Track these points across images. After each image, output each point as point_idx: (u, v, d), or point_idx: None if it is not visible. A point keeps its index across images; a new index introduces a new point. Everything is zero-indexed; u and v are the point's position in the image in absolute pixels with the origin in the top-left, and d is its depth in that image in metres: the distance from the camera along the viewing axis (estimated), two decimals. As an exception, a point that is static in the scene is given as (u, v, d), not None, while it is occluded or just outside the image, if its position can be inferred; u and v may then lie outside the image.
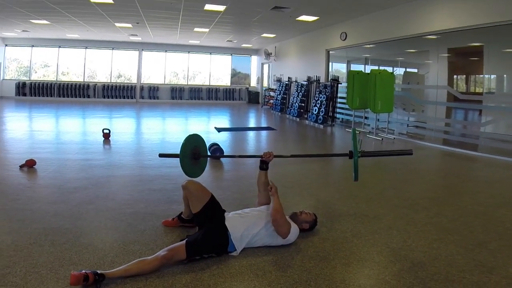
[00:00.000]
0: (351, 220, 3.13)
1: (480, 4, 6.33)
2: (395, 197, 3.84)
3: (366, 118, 9.13)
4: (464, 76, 8.62)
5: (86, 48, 17.68)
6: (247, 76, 20.87)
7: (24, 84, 16.88)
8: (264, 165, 2.87)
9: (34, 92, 16.90)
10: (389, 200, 3.74)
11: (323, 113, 10.27)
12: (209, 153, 3.58)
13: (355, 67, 11.15)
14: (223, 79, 20.37)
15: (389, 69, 9.08)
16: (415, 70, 9.46)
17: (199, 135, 3.12)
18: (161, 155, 3.19)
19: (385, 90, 7.61)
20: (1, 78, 16.82)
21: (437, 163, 6.18)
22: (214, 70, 20.08)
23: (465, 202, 3.76)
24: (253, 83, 20.52)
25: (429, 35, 7.78)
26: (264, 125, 10.72)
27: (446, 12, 7.04)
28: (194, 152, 2.97)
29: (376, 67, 9.70)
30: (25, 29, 13.57)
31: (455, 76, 8.42)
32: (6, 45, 16.82)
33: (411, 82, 8.66)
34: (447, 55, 8.00)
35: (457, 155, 6.52)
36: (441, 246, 2.66)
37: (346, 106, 9.50)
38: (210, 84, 19.79)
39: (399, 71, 9.55)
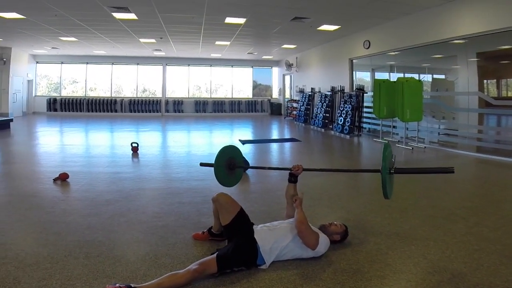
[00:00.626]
0: (385, 231, 3.03)
1: (509, 7, 6.12)
2: (430, 207, 3.70)
3: (394, 127, 8.93)
4: (495, 80, 8.31)
5: (112, 64, 18.36)
6: (268, 88, 20.97)
7: (55, 100, 17.69)
8: (292, 177, 2.88)
9: (64, 108, 17.68)
10: (424, 211, 3.60)
11: (349, 123, 10.14)
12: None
13: (379, 75, 10.98)
14: (244, 92, 20.56)
15: (415, 76, 8.88)
16: (443, 77, 9.21)
17: (235, 147, 3.23)
18: (202, 164, 3.31)
19: (413, 98, 7.43)
20: (33, 95, 17.69)
21: (472, 171, 5.96)
22: (236, 83, 20.33)
23: (506, 211, 3.58)
24: (275, 94, 20.57)
25: (456, 40, 7.58)
26: (288, 136, 10.67)
27: (473, 16, 6.85)
28: (230, 163, 3.07)
29: (402, 75, 9.51)
30: (54, 46, 14.25)
31: (485, 81, 8.13)
32: (37, 62, 17.72)
33: (440, 89, 8.43)
34: (476, 59, 7.75)
35: (492, 163, 6.26)
36: (483, 256, 2.54)
37: (373, 116, 9.34)
38: (233, 96, 20.01)
39: (426, 78, 9.32)
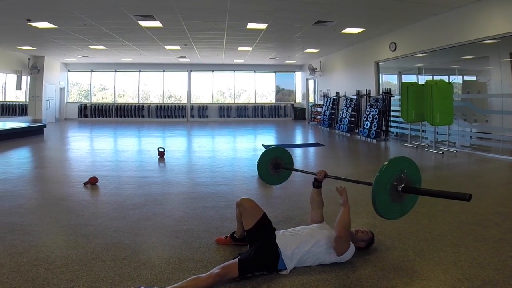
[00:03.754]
0: (413, 237, 2.94)
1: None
2: (461, 213, 3.55)
3: (423, 131, 8.67)
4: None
5: (139, 71, 18.90)
6: (291, 93, 20.88)
7: (85, 106, 18.39)
8: (316, 182, 2.91)
9: (94, 114, 18.37)
10: (454, 216, 3.46)
11: (376, 127, 9.95)
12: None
13: (407, 78, 10.70)
14: (267, 97, 20.61)
15: (444, 78, 8.61)
16: (474, 78, 8.87)
17: (285, 150, 3.74)
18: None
19: (443, 101, 7.23)
20: (65, 101, 18.47)
21: (507, 175, 5.69)
22: (259, 88, 20.41)
23: (543, 218, 3.38)
24: (298, 99, 20.46)
25: (488, 40, 7.29)
26: (312, 141, 10.56)
27: (505, 15, 6.57)
28: (275, 162, 3.60)
29: (430, 77, 9.24)
30: (84, 54, 14.84)
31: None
32: (68, 70, 18.51)
33: (471, 91, 8.12)
34: (509, 60, 7.42)
35: (529, 168, 5.94)
36: (517, 262, 2.43)
37: (401, 120, 9.12)
38: (256, 102, 20.10)
39: (457, 79, 9.01)
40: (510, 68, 7.34)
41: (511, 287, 2.12)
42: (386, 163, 2.28)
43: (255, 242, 2.47)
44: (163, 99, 19.43)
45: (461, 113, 8.04)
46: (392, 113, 10.08)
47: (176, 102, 19.61)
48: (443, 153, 7.48)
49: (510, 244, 2.77)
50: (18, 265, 2.43)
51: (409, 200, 2.38)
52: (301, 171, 3.72)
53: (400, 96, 8.66)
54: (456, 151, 7.59)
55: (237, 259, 2.28)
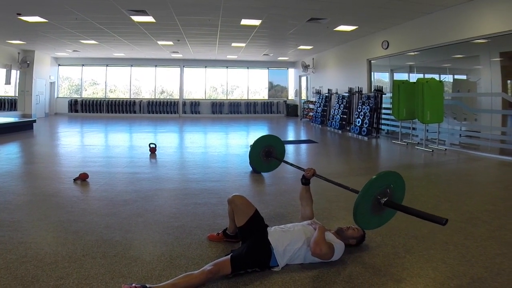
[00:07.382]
0: (403, 235, 2.97)
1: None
2: (450, 211, 3.60)
3: (414, 129, 8.76)
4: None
5: (131, 66, 18.72)
6: (284, 89, 20.92)
7: (75, 101, 18.16)
8: (303, 179, 2.94)
9: (85, 109, 18.16)
10: (444, 214, 3.41)
11: (367, 124, 10.01)
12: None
13: (398, 76, 10.80)
14: (260, 93, 20.59)
15: (436, 77, 8.70)
16: (464, 77, 8.97)
17: (279, 139, 3.95)
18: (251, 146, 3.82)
19: (434, 100, 7.30)
20: (55, 96, 18.20)
21: (495, 174, 5.77)
22: (252, 84, 20.39)
23: (531, 216, 3.44)
24: (291, 96, 20.49)
25: (478, 39, 7.38)
26: (304, 138, 10.60)
27: (496, 15, 6.66)
28: (268, 151, 3.70)
29: (421, 75, 9.32)
30: (75, 49, 14.63)
31: (509, 82, 7.87)
32: (59, 65, 18.24)
33: (462, 90, 8.20)
34: (499, 59, 7.52)
35: (516, 166, 6.04)
36: (505, 261, 2.47)
37: (392, 117, 9.20)
38: (248, 98, 20.07)
39: (447, 78, 9.10)
40: (500, 68, 7.45)
41: (499, 284, 2.16)
42: (374, 176, 2.31)
43: (247, 239, 2.47)
44: (155, 95, 19.30)
45: (451, 111, 8.13)
46: (384, 111, 10.15)
47: (168, 97, 19.50)
48: (432, 151, 7.56)
49: (499, 242, 2.81)
50: (7, 262, 2.40)
51: (388, 213, 2.45)
52: (291, 164, 3.71)
53: (391, 94, 8.72)
54: (446, 149, 7.68)
55: (229, 256, 2.28)
